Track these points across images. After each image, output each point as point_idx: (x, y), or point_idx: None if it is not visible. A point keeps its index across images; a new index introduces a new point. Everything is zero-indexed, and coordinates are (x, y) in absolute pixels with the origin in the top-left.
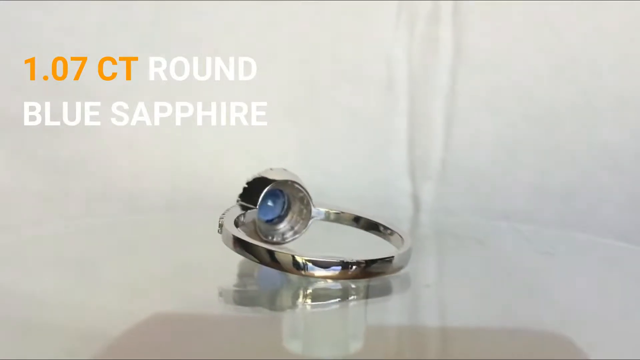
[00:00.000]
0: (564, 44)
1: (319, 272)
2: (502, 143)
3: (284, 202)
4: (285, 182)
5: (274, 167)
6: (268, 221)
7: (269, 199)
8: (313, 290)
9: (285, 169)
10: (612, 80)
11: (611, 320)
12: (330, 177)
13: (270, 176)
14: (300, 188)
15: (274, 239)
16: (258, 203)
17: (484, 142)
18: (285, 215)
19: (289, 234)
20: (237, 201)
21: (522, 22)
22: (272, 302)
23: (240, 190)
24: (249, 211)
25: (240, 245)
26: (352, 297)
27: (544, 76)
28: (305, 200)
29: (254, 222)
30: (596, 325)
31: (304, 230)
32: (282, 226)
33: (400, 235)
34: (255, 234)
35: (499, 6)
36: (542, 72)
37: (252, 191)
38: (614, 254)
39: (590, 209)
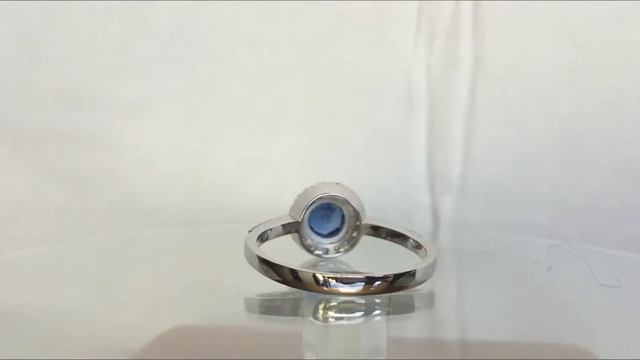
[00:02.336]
0: (586, 57)
1: (343, 288)
2: (522, 157)
3: (342, 216)
4: (334, 197)
5: (327, 181)
6: (325, 234)
7: (323, 212)
8: (337, 303)
9: (338, 183)
10: (634, 93)
11: (634, 336)
12: None
13: (321, 190)
14: (349, 201)
15: (328, 253)
16: (302, 216)
17: (503, 156)
18: (341, 228)
19: (343, 248)
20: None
21: (543, 35)
22: (293, 315)
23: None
24: (288, 224)
25: (263, 263)
26: (375, 311)
27: (565, 90)
28: (358, 214)
29: (299, 235)
30: (618, 340)
31: (357, 243)
32: (338, 239)
33: (424, 247)
34: (304, 247)
35: (519, 19)
36: (563, 85)
37: (300, 204)
38: (637, 269)
39: (612, 223)
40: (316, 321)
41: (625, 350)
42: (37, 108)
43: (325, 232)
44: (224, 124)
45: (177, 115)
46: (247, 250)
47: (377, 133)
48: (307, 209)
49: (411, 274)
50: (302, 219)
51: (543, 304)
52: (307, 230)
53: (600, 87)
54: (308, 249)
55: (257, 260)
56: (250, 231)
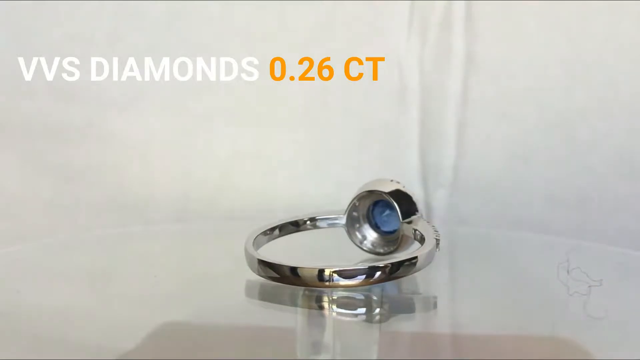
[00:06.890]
0: (579, 51)
1: (344, 282)
2: (515, 151)
3: (398, 214)
4: (378, 193)
5: (384, 177)
6: (391, 231)
7: (382, 210)
8: (336, 298)
9: (392, 180)
10: (627, 87)
11: (627, 328)
12: (342, 185)
13: (371, 187)
14: (390, 200)
15: (388, 249)
16: (346, 212)
17: (496, 150)
18: (400, 227)
19: (396, 245)
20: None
21: (536, 28)
22: (286, 311)
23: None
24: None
25: (264, 265)
26: (371, 305)
27: (558, 83)
28: (409, 212)
29: (355, 231)
30: (611, 333)
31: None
32: (395, 237)
33: (421, 234)
34: (358, 242)
35: (511, 13)
36: (556, 79)
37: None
38: (630, 263)
39: (605, 217)
40: (309, 317)
41: (618, 346)
42: (28, 102)
43: (391, 229)
44: (217, 119)
45: (170, 109)
46: (247, 255)
47: (370, 127)
48: (349, 206)
49: (412, 262)
50: (365, 216)
51: (536, 299)
52: (365, 227)
53: (594, 80)
54: (368, 246)
55: (256, 264)
56: (287, 220)
